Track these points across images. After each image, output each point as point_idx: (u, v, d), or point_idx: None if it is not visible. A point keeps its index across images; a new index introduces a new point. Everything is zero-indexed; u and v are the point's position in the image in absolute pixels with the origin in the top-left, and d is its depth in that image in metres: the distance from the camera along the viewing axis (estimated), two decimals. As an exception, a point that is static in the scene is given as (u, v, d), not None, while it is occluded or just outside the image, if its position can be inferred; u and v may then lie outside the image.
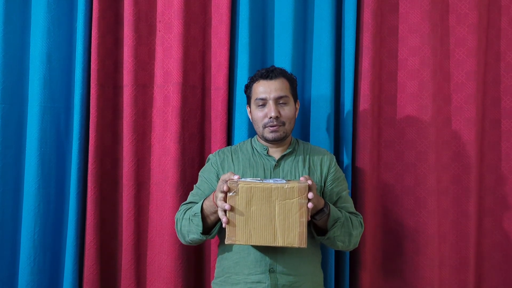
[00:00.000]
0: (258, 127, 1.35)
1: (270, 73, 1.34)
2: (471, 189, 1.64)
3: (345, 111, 1.67)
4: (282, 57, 1.67)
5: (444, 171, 1.67)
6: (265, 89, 1.33)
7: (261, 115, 1.33)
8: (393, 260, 1.66)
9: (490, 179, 1.68)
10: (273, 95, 1.32)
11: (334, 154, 1.64)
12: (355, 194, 1.65)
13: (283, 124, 1.33)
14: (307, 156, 1.39)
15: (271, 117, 1.31)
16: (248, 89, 1.41)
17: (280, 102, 1.33)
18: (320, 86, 1.66)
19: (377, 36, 1.65)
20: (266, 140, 1.36)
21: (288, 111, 1.33)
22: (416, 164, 1.62)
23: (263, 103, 1.33)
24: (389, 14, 1.68)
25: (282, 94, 1.32)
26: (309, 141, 1.68)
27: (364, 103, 1.63)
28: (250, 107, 1.41)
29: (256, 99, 1.34)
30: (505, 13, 1.68)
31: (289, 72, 1.45)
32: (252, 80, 1.39)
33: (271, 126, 1.31)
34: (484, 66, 1.68)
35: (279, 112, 1.31)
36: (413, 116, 1.63)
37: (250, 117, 1.44)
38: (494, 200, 1.68)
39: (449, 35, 1.68)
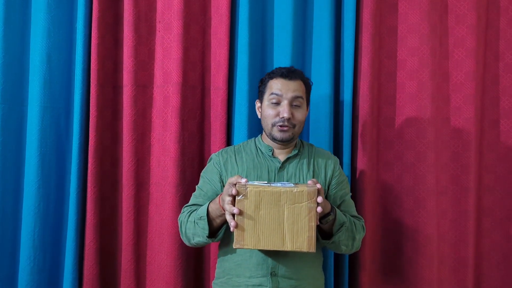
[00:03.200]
0: (267, 125, 1.32)
1: (290, 73, 1.32)
2: (470, 189, 1.64)
3: (345, 111, 1.67)
4: (282, 57, 1.67)
5: (443, 171, 1.67)
6: (282, 87, 1.30)
7: (272, 113, 1.30)
8: (392, 260, 1.66)
9: (489, 179, 1.68)
10: (290, 95, 1.29)
11: (334, 154, 1.65)
12: (355, 194, 1.65)
13: (293, 126, 1.31)
14: (312, 159, 1.38)
15: (283, 117, 1.28)
16: (263, 84, 1.37)
17: (295, 104, 1.30)
18: (319, 86, 1.66)
19: (376, 36, 1.65)
20: (274, 139, 1.32)
21: (300, 114, 1.31)
22: (415, 164, 1.62)
23: (278, 100, 1.30)
24: (388, 15, 1.68)
25: (298, 94, 1.30)
26: (308, 141, 1.68)
27: (364, 103, 1.63)
28: (260, 103, 1.37)
29: (272, 93, 1.30)
30: (504, 14, 1.68)
31: None
32: (270, 76, 1.35)
33: (281, 126, 1.29)
34: (483, 66, 1.68)
35: (292, 114, 1.29)
36: (412, 116, 1.63)
37: (258, 113, 1.41)
38: (493, 200, 1.68)
39: (448, 35, 1.68)
